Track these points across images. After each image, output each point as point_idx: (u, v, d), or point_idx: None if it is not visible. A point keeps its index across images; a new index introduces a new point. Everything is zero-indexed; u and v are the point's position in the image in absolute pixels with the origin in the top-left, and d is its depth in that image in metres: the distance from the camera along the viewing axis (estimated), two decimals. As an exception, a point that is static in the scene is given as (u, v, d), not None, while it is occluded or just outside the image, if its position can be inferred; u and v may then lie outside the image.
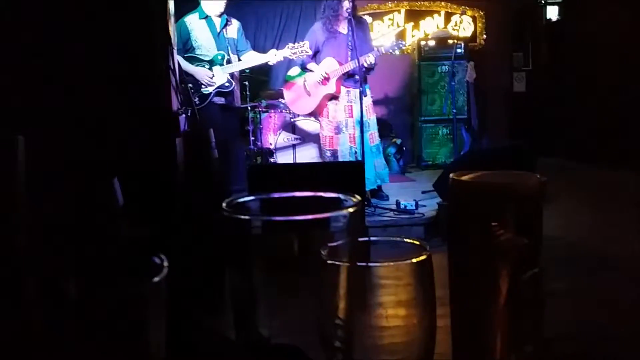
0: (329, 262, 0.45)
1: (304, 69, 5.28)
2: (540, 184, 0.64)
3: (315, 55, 5.20)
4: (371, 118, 5.11)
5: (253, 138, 6.11)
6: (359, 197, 0.47)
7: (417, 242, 0.60)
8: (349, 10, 4.93)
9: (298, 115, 5.86)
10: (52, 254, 0.38)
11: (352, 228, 0.45)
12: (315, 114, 5.47)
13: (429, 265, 0.58)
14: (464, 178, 0.64)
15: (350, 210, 0.45)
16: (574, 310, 2.60)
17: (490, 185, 0.63)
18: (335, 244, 0.45)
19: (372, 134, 5.13)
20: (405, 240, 0.60)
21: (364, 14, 7.69)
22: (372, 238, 0.60)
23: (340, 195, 0.48)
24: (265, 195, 0.50)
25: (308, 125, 5.98)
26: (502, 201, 0.60)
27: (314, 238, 0.45)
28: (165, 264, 0.33)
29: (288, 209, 0.45)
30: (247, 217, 0.45)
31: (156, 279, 0.31)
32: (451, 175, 0.65)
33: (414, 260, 0.56)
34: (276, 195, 0.51)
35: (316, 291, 0.47)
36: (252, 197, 0.50)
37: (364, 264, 0.54)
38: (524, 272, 0.59)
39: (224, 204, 0.45)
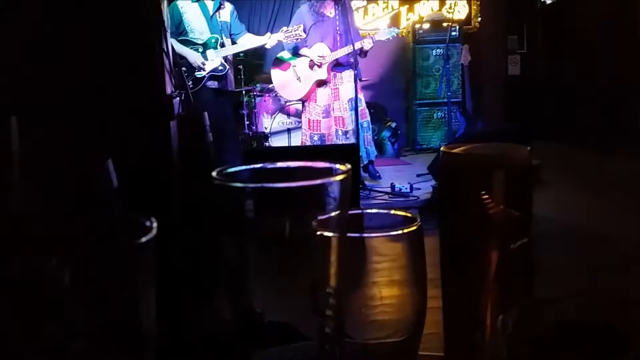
0: (318, 232, 0.46)
1: (296, 54, 5.25)
2: (530, 156, 0.64)
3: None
4: (360, 95, 5.12)
5: (248, 122, 6.10)
6: (349, 166, 0.47)
7: (408, 214, 0.61)
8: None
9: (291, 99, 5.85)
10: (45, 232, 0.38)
11: (342, 197, 0.46)
12: (302, 99, 5.47)
13: (419, 236, 0.58)
14: (454, 151, 0.65)
15: (340, 177, 0.45)
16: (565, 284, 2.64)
17: (480, 156, 0.64)
18: (325, 214, 0.46)
19: (362, 110, 5.13)
20: (396, 212, 0.61)
21: (358, -3, 7.66)
22: (362, 210, 0.61)
23: (331, 165, 0.48)
24: (257, 165, 0.51)
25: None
26: (491, 172, 0.61)
27: (304, 207, 0.45)
28: (155, 225, 0.33)
29: (279, 178, 0.46)
30: (238, 184, 0.45)
31: (144, 239, 0.32)
32: (442, 148, 0.65)
33: (405, 230, 0.57)
34: (268, 165, 0.51)
35: (307, 262, 0.47)
36: (243, 167, 0.50)
37: (354, 234, 0.54)
38: (514, 242, 0.60)
39: (214, 173, 0.46)
